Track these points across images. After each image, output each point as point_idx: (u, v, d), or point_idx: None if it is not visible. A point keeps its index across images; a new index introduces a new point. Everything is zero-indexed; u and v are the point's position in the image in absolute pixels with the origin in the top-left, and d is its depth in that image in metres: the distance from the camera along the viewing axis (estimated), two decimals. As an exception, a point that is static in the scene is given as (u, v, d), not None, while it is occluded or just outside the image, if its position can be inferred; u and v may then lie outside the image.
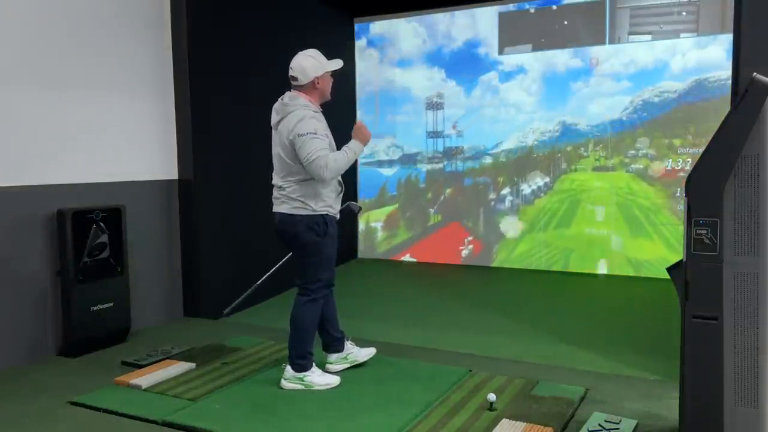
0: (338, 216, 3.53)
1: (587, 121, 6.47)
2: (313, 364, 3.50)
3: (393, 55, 7.37)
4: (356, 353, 3.75)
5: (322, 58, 3.40)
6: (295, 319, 3.45)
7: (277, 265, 4.05)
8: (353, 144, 3.38)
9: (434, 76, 7.19)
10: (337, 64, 3.45)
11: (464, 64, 7.01)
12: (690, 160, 6.02)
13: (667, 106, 6.11)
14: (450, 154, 7.20)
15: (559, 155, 6.64)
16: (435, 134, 7.26)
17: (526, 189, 6.86)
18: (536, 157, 6.72)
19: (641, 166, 6.26)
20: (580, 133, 6.52)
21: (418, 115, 7.28)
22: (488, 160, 6.99)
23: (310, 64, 3.35)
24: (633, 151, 6.31)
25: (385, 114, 7.47)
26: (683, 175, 5.99)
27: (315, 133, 3.24)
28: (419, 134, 7.31)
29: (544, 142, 6.68)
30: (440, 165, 7.26)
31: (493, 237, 6.99)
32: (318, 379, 3.45)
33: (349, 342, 3.79)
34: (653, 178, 6.22)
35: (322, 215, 3.36)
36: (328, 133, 3.38)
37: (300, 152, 3.24)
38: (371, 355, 3.79)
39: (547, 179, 6.71)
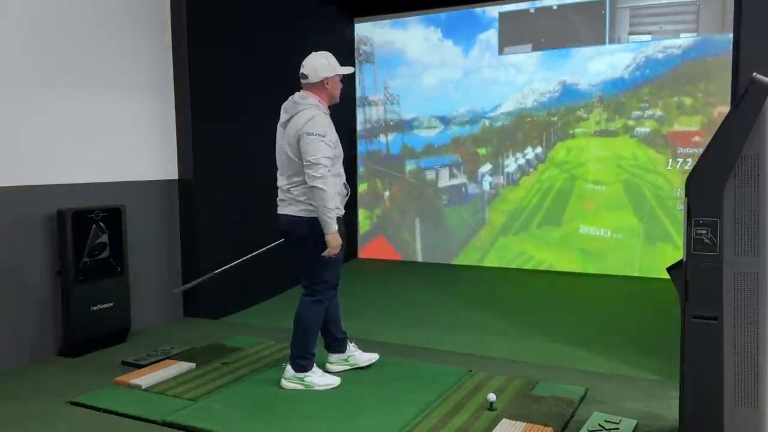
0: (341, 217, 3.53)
1: (588, 81, 6.25)
2: (314, 364, 3.50)
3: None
4: (358, 357, 3.75)
5: (334, 61, 3.42)
6: (299, 320, 3.45)
7: (249, 255, 3.98)
8: (331, 223, 3.25)
9: (430, 36, 6.98)
10: (348, 70, 3.47)
11: (462, 22, 6.78)
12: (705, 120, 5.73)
13: (670, 63, 5.90)
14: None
15: (555, 119, 6.41)
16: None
17: (517, 162, 6.53)
18: (531, 121, 6.46)
19: (648, 130, 5.97)
20: (581, 93, 6.30)
21: (416, 79, 7.14)
22: (485, 124, 6.76)
23: (321, 64, 3.36)
24: (638, 112, 6.04)
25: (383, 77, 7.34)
26: (699, 139, 5.77)
27: (324, 137, 3.25)
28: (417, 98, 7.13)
29: (543, 103, 6.46)
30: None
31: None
32: (318, 379, 3.45)
33: (353, 345, 3.79)
34: (662, 144, 5.92)
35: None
36: (337, 139, 3.38)
37: (305, 149, 3.23)
38: (372, 361, 3.77)
39: (540, 149, 6.46)
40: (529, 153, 6.64)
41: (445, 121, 7.08)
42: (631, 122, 6.12)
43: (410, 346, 4.23)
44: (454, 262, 7.11)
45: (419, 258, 7.31)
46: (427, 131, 7.17)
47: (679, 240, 5.95)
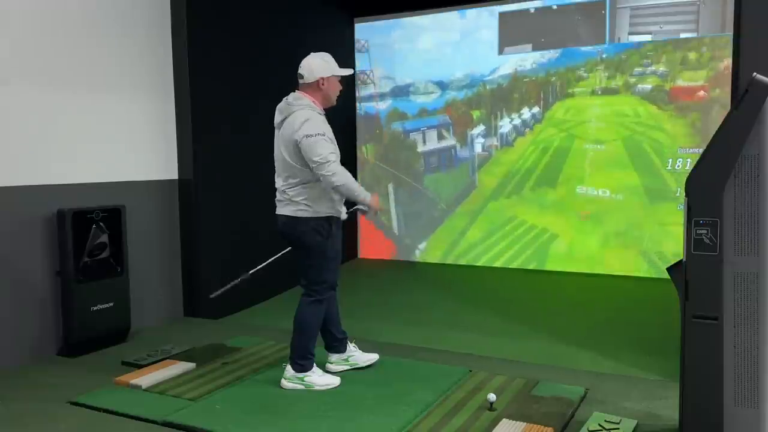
0: (344, 217, 3.53)
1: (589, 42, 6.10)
2: (314, 364, 3.51)
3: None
4: (358, 357, 3.75)
5: (332, 61, 3.41)
6: (298, 320, 3.45)
7: (272, 258, 3.98)
8: (364, 195, 3.36)
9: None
10: (346, 71, 3.45)
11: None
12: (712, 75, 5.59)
13: None
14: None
15: (554, 79, 6.22)
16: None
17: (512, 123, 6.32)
18: (528, 82, 6.28)
19: (649, 86, 5.81)
20: (582, 53, 6.16)
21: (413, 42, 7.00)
22: (482, 88, 6.56)
23: (318, 64, 3.35)
24: (640, 69, 5.88)
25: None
26: (703, 93, 5.64)
27: (324, 135, 3.23)
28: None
29: (542, 65, 6.31)
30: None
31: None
32: (318, 379, 3.45)
33: (353, 345, 3.79)
34: (664, 100, 5.75)
35: (326, 217, 3.35)
36: (333, 138, 3.37)
37: (309, 153, 3.20)
38: (372, 361, 3.77)
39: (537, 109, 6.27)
40: (526, 113, 6.47)
41: (442, 86, 6.89)
42: (632, 79, 5.96)
43: (410, 346, 4.23)
44: (439, 230, 6.92)
45: (395, 227, 7.15)
46: (424, 97, 6.98)
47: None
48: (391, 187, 7.18)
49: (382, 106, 7.26)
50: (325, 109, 3.44)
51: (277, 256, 3.88)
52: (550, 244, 6.57)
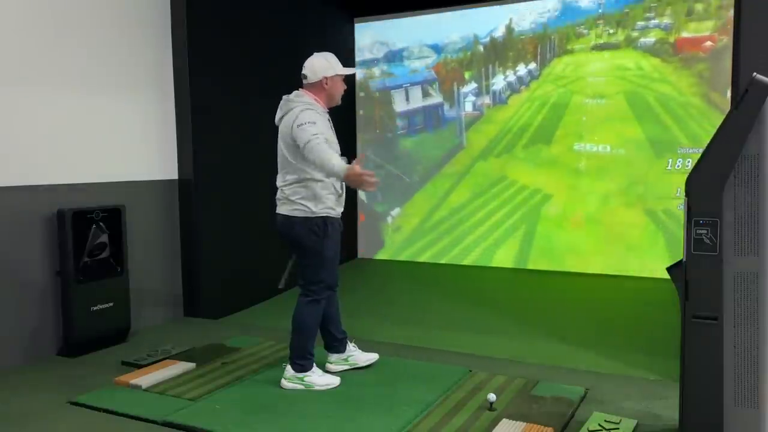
0: (339, 217, 3.53)
1: None
2: (314, 364, 3.50)
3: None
4: (357, 356, 3.75)
5: (336, 61, 3.41)
6: (296, 320, 3.45)
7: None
8: (338, 168, 3.10)
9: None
10: (350, 70, 3.46)
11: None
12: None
13: None
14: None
15: (554, 36, 5.92)
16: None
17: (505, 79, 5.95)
18: (525, 39, 5.96)
19: (653, 39, 5.55)
20: (582, 10, 5.86)
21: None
22: (477, 49, 6.21)
23: (321, 64, 3.36)
24: (642, 23, 5.60)
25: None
26: (710, 44, 5.42)
27: (314, 123, 3.24)
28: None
29: (541, 23, 6.01)
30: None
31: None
32: (318, 379, 3.45)
33: (352, 345, 3.79)
34: (669, 52, 5.47)
35: (322, 217, 3.35)
36: (332, 135, 3.38)
37: (298, 139, 3.23)
38: (372, 361, 3.77)
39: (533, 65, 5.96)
40: (521, 69, 6.16)
41: (437, 49, 6.61)
42: (635, 33, 5.72)
43: (410, 346, 4.23)
44: (417, 194, 6.68)
45: (361, 193, 6.81)
46: (418, 62, 6.68)
47: (694, 153, 5.49)
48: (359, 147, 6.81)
49: (377, 73, 6.95)
50: (329, 109, 3.46)
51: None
52: (543, 205, 6.26)
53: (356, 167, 3.05)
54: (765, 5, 3.04)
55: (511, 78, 6.19)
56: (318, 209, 3.34)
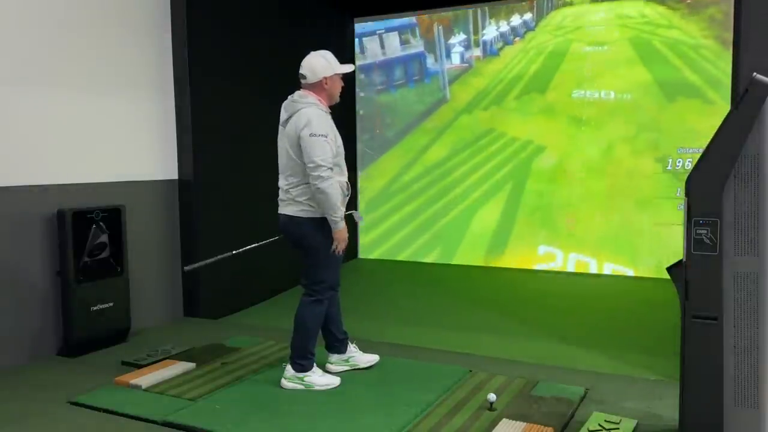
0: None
1: None
2: (314, 364, 3.50)
3: None
4: (358, 358, 3.74)
5: (334, 59, 3.40)
6: (298, 319, 3.45)
7: (258, 244, 3.90)
8: (339, 219, 3.29)
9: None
10: (348, 68, 3.45)
11: None
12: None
13: None
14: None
15: None
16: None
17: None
18: None
19: None
20: None
21: None
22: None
23: (320, 63, 3.34)
24: None
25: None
26: None
27: (326, 137, 3.24)
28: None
29: None
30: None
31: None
32: (318, 379, 3.45)
33: (353, 345, 3.78)
34: None
35: (321, 217, 3.34)
36: (336, 135, 3.38)
37: (309, 151, 3.21)
38: (372, 363, 3.76)
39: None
40: (516, 19, 5.78)
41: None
42: None
43: (410, 346, 4.23)
44: (390, 152, 6.33)
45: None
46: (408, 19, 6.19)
47: (710, 93, 5.16)
48: None
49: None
50: (331, 107, 3.45)
51: (265, 242, 3.79)
52: (535, 157, 5.85)
53: (345, 233, 3.34)
54: (765, 5, 3.04)
55: (505, 28, 5.76)
56: (312, 211, 3.34)
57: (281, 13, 5.94)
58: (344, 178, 3.43)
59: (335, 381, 3.49)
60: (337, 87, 3.43)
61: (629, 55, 5.49)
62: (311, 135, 3.21)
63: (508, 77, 5.83)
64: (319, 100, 3.36)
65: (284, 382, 3.46)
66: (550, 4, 5.72)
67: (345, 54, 7.10)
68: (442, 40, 6.00)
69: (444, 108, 6.12)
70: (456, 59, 5.93)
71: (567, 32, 5.63)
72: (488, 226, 6.41)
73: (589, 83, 5.56)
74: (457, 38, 5.96)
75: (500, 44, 5.80)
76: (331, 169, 3.24)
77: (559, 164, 5.88)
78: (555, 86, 5.71)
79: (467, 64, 6.00)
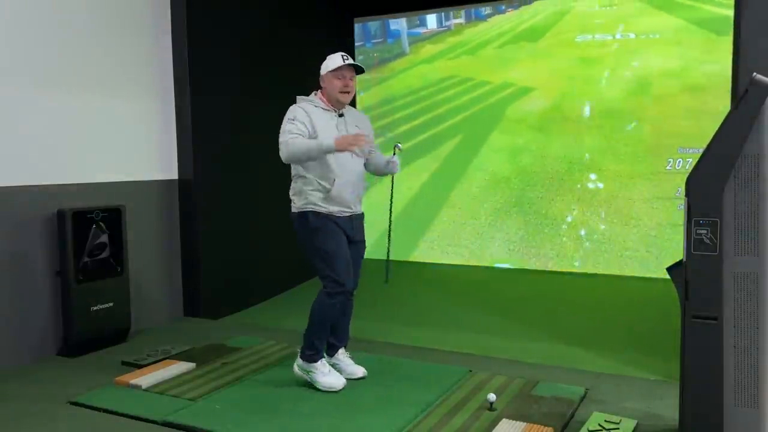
0: (339, 215, 3.38)
1: None
2: (322, 360, 3.46)
3: None
4: (343, 366, 3.59)
5: (330, 60, 3.45)
6: (311, 309, 3.44)
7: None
8: (325, 141, 3.22)
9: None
10: (334, 63, 3.40)
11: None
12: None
13: None
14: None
15: None
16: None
17: None
18: None
19: None
20: None
21: None
22: None
23: (324, 64, 3.45)
24: None
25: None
26: None
27: (293, 120, 3.30)
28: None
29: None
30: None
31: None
32: (321, 378, 3.43)
33: (345, 354, 3.66)
34: None
35: (306, 212, 3.37)
36: (317, 125, 3.30)
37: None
38: (355, 376, 3.55)
39: None
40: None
41: None
42: None
43: (410, 346, 4.23)
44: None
45: None
46: None
47: None
48: None
49: None
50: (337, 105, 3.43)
51: None
52: (514, 102, 5.13)
53: (345, 138, 3.22)
54: (765, 5, 3.04)
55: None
56: (301, 204, 3.38)
57: (281, 13, 5.94)
58: (350, 176, 3.40)
59: (338, 383, 3.43)
60: (333, 85, 3.39)
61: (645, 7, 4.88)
62: (282, 125, 3.33)
63: (492, 33, 5.28)
64: (321, 98, 3.44)
65: (295, 367, 3.49)
66: None
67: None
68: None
69: (399, 60, 5.58)
70: (432, 24, 5.41)
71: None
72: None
73: (600, 26, 4.85)
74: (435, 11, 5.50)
75: (489, 10, 5.35)
76: (293, 136, 3.26)
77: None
78: (557, 33, 5.01)
79: (445, 28, 5.57)
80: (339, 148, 3.22)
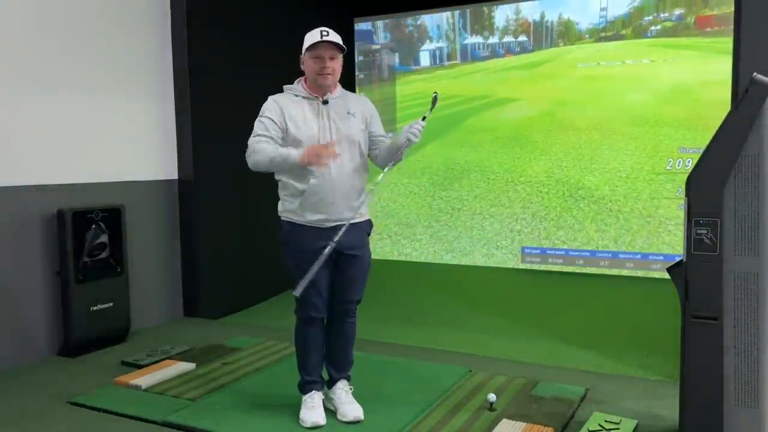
0: (320, 225, 2.91)
1: None
2: (311, 393, 3.04)
3: None
4: (337, 402, 3.09)
5: (309, 37, 2.94)
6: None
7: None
8: (292, 152, 2.81)
9: None
10: (310, 39, 2.89)
11: None
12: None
13: None
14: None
15: None
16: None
17: None
18: None
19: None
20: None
21: None
22: None
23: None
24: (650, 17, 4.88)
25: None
26: None
27: (261, 116, 2.94)
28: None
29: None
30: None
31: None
32: (302, 411, 3.02)
33: (346, 390, 3.14)
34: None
35: (283, 220, 3.01)
36: (292, 118, 2.90)
37: None
38: (346, 420, 3.01)
39: None
40: (509, 39, 5.49)
41: None
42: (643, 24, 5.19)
43: (410, 346, 4.23)
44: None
45: None
46: None
47: None
48: None
49: None
50: (323, 93, 2.98)
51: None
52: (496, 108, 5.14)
53: (313, 149, 2.74)
54: (765, 5, 3.04)
55: (494, 41, 5.28)
56: (281, 210, 3.03)
57: (281, 13, 5.94)
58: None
59: (308, 421, 2.96)
60: (309, 68, 2.91)
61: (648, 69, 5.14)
62: None
63: (488, 66, 5.23)
64: (303, 85, 3.00)
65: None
66: (549, 38, 5.39)
67: (345, 54, 7.09)
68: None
69: (371, 75, 5.44)
70: (425, 60, 5.28)
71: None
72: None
73: (605, 57, 4.90)
74: (430, 45, 5.54)
75: (487, 53, 5.47)
76: (257, 140, 2.92)
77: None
78: (549, 61, 5.03)
79: (438, 66, 5.62)
80: (303, 163, 2.76)
